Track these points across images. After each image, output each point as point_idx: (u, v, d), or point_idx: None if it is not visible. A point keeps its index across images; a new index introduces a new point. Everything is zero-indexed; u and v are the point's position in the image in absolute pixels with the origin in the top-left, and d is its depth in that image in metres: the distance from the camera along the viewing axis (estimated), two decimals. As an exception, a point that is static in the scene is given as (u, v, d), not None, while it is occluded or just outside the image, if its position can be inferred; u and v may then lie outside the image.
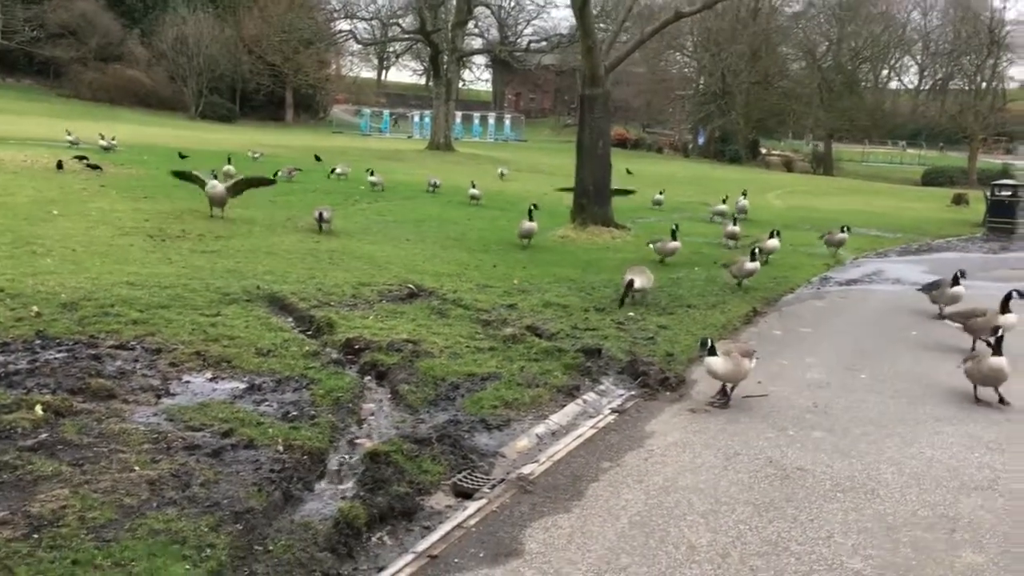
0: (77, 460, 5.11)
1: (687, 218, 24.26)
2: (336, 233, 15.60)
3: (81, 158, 24.67)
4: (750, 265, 12.91)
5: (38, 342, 7.52)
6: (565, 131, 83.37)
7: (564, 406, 7.12)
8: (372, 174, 25.24)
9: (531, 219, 15.76)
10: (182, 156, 31.95)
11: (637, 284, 10.83)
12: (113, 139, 30.79)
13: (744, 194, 26.99)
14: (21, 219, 14.27)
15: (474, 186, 23.37)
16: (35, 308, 8.45)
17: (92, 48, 71.55)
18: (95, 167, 23.27)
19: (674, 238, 14.90)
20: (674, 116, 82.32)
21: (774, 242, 16.02)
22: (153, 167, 26.73)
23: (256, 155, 32.56)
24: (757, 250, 13.51)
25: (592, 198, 19.00)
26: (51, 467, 4.96)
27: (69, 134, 30.35)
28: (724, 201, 25.40)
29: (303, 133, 67.32)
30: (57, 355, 7.19)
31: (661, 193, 27.33)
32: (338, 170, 27.64)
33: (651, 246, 15.37)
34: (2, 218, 14.19)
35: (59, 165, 22.76)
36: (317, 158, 33.57)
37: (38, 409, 5.78)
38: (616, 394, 7.66)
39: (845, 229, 18.65)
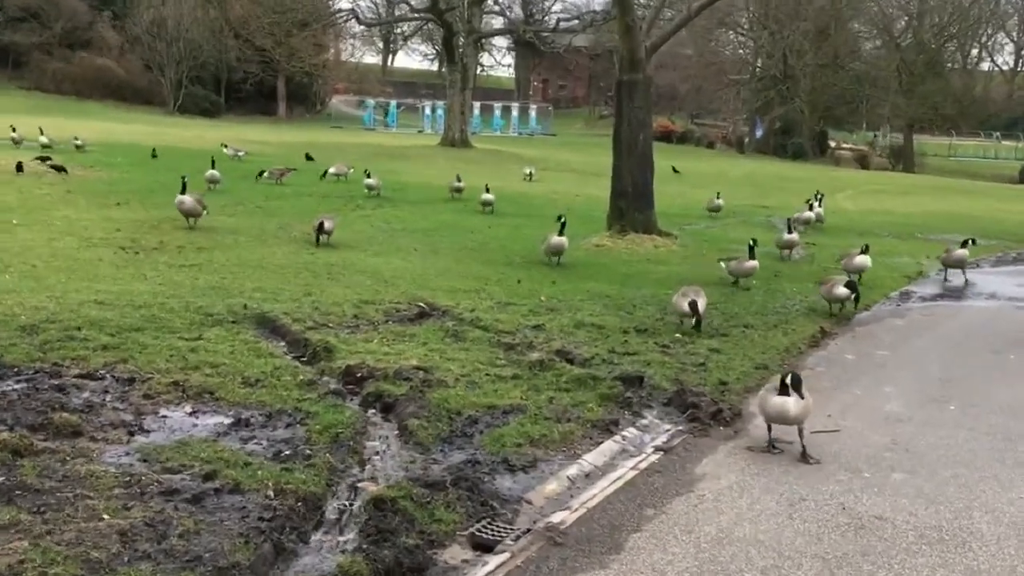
0: (38, 507, 5.16)
1: (741, 222, 24.20)
2: (335, 244, 15.70)
3: (43, 159, 25.00)
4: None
5: (-6, 371, 7.60)
6: (600, 123, 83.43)
7: (600, 444, 7.10)
8: (368, 176, 25.08)
9: (561, 232, 15.09)
10: (154, 155, 32.36)
11: (701, 307, 10.74)
12: (76, 139, 31.00)
13: (819, 198, 25.71)
14: (-25, 230, 14.48)
15: (487, 190, 23.00)
16: (-9, 332, 8.55)
17: (56, 33, 72.59)
18: (59, 169, 23.58)
19: (752, 256, 14.11)
20: (727, 105, 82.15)
21: (863, 259, 15.19)
22: (125, 169, 27.05)
23: (238, 153, 32.75)
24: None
25: (632, 201, 19.01)
26: (8, 515, 5.01)
27: (14, 130, 30.67)
28: (812, 206, 24.13)
29: (297, 128, 67.91)
30: (15, 386, 7.27)
31: (719, 197, 26.01)
32: (332, 171, 27.61)
33: (722, 264, 14.72)
34: (-46, 229, 14.41)
35: (19, 167, 23.10)
36: (308, 157, 33.50)
37: (-7, 448, 5.83)
38: (661, 430, 7.63)
39: (969, 243, 16.79)
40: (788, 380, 7.01)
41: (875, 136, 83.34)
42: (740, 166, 54.66)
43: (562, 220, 15.32)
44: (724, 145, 77.72)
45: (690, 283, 11.87)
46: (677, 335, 10.56)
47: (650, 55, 19.66)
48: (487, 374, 8.48)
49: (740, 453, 7.19)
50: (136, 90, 75.85)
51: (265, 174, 25.87)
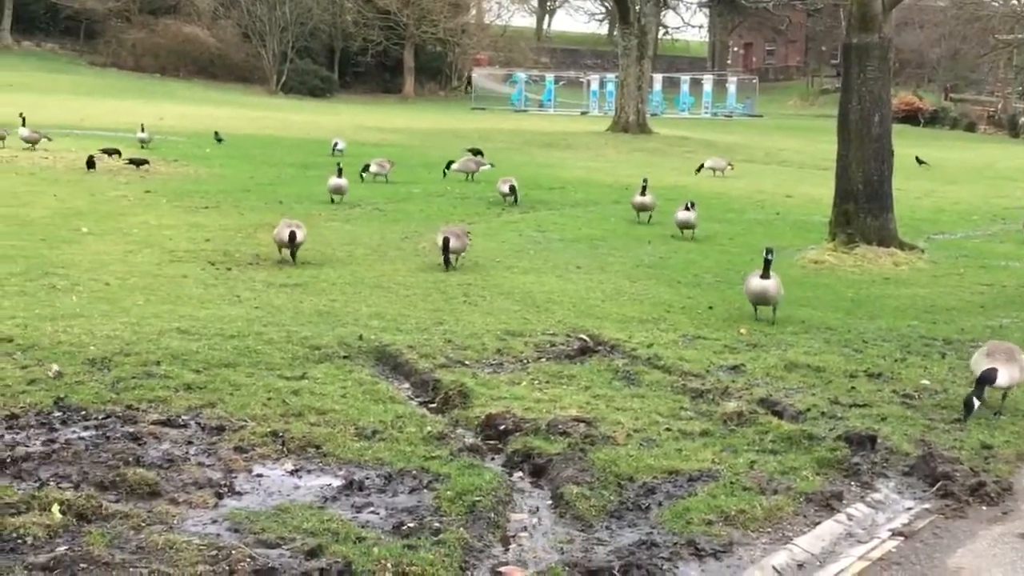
0: (106, 585, 5.38)
1: (1008, 231, 23.33)
2: (473, 258, 15.90)
3: (111, 151, 26.23)
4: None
5: (57, 414, 7.99)
6: (821, 100, 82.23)
7: (817, 524, 6.95)
8: (366, 169, 25.59)
9: (767, 273, 12.88)
10: (218, 140, 33.52)
11: (1002, 380, 9.37)
12: (142, 131, 31.27)
13: None
14: (38, 240, 15.31)
15: (644, 191, 21.33)
16: (55, 366, 8.99)
17: (137, -3, 75.88)
18: (139, 163, 24.70)
19: None
20: (994, 74, 79.69)
21: None
22: (217, 163, 28.15)
23: (382, 170, 32.64)
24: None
25: (862, 203, 18.60)
26: (71, 594, 5.25)
27: (143, 130, 31.35)
28: None
29: (429, 110, 69.26)
30: (83, 433, 7.62)
31: None
32: (373, 168, 26.47)
33: None
34: (13, 238, 15.27)
35: (90, 163, 24.25)
36: (448, 168, 31.74)
37: (55, 511, 6.12)
38: (900, 507, 7.42)
39: None
40: None
41: None
42: (1013, 155, 52.84)
43: (769, 257, 13.40)
44: (990, 127, 75.34)
45: (947, 311, 11.30)
46: (924, 382, 10.26)
47: (889, 9, 19.24)
48: (668, 429, 8.42)
49: (1011, 541, 6.92)
50: (231, 65, 78.81)
51: (372, 167, 26.33)
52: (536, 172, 30.83)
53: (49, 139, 29.04)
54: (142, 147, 30.00)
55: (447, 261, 14.92)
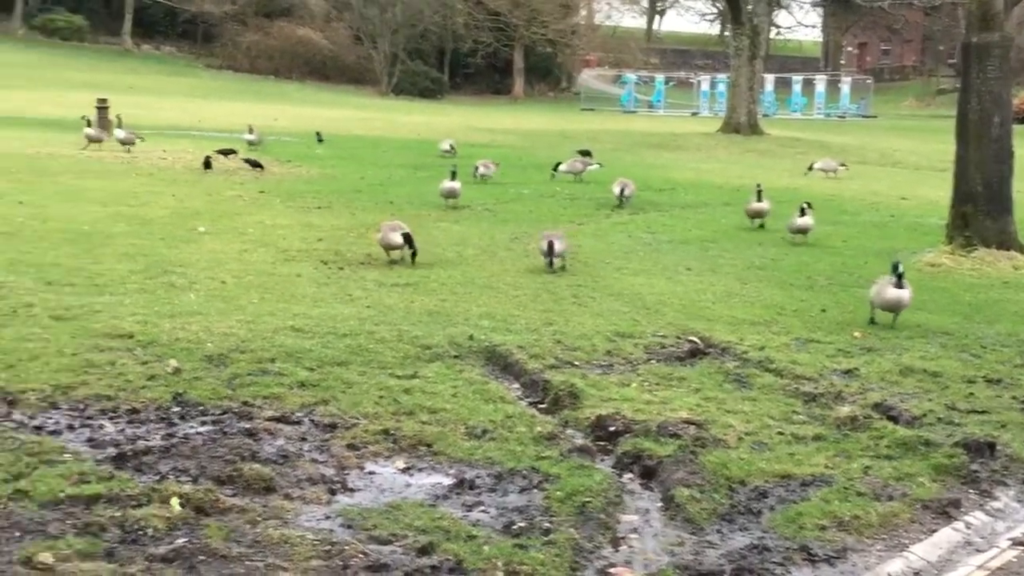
0: (223, 577, 5.51)
1: None
2: (583, 260, 15.91)
3: (227, 152, 26.76)
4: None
5: (175, 409, 8.20)
6: (938, 100, 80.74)
7: (934, 532, 6.83)
8: (477, 170, 25.14)
9: (900, 283, 12.60)
10: (319, 140, 34.08)
11: None
12: (250, 134, 31.77)
13: None
14: (157, 239, 15.68)
15: (759, 197, 20.64)
16: (173, 362, 9.23)
17: (252, 1, 77.32)
18: (255, 165, 25.18)
19: None
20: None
21: None
22: (329, 164, 28.56)
23: (487, 171, 32.58)
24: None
25: (982, 206, 18.22)
26: (189, 586, 5.37)
27: (251, 131, 31.71)
28: None
29: (538, 111, 69.45)
30: (200, 429, 7.81)
31: None
32: (481, 171, 26.08)
33: None
34: (133, 237, 15.66)
35: (206, 164, 24.82)
36: (556, 169, 31.22)
37: (174, 504, 6.28)
38: (1020, 516, 7.26)
39: None
40: None
41: None
42: None
43: (899, 270, 13.03)
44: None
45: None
46: (1044, 388, 10.03)
47: (1011, 7, 18.87)
48: (780, 433, 8.35)
49: None
50: (343, 67, 79.94)
51: (562, 167, 26.53)
52: (645, 173, 30.74)
53: (143, 140, 29.53)
54: (250, 148, 30.44)
55: (551, 263, 14.95)
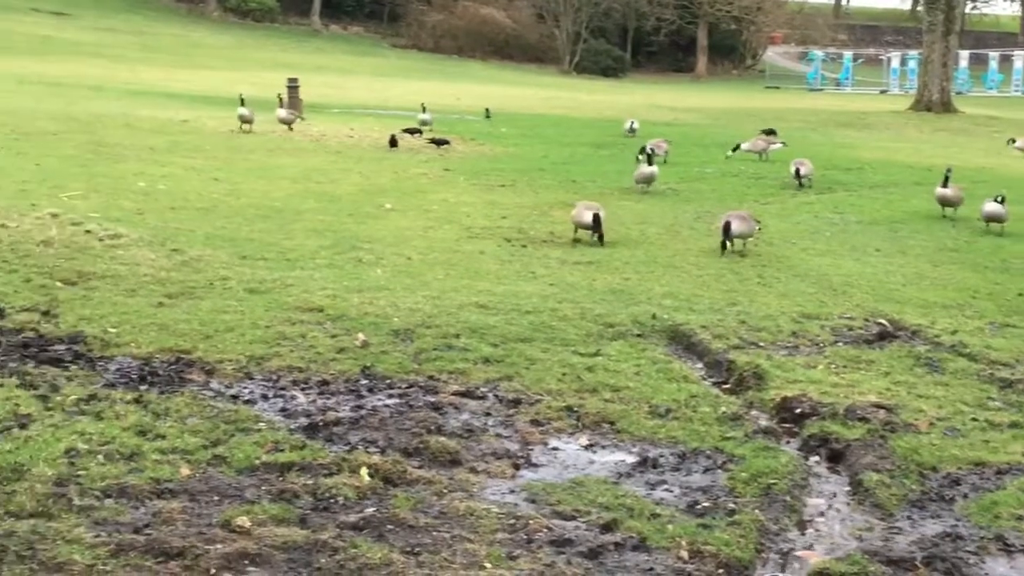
0: (412, 547, 5.62)
1: None
2: (767, 240, 15.69)
3: (413, 131, 27.16)
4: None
5: (364, 382, 8.41)
6: None
7: None
8: (642, 151, 22.47)
9: None
10: (487, 116, 34.38)
11: None
12: (423, 114, 30.72)
13: None
14: (345, 215, 16.03)
15: (946, 182, 18.85)
16: (361, 335, 9.46)
17: (438, -21, 78.34)
18: (441, 143, 25.51)
19: None
20: None
21: None
22: (512, 143, 28.76)
23: (632, 128, 32.36)
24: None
25: None
26: (379, 553, 5.50)
27: (424, 110, 31.42)
28: None
29: (721, 89, 68.71)
30: (388, 401, 7.99)
31: None
32: (650, 150, 24.65)
33: None
34: (322, 214, 16.05)
35: (392, 142, 25.27)
36: (735, 150, 29.77)
37: (364, 473, 6.45)
38: None
39: None
40: None
41: None
42: None
43: None
44: None
45: None
46: None
47: None
48: (974, 419, 8.13)
49: None
50: (525, 46, 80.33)
51: (745, 145, 26.43)
52: (832, 152, 30.15)
53: (303, 119, 29.85)
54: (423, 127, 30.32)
55: (724, 245, 14.53)
